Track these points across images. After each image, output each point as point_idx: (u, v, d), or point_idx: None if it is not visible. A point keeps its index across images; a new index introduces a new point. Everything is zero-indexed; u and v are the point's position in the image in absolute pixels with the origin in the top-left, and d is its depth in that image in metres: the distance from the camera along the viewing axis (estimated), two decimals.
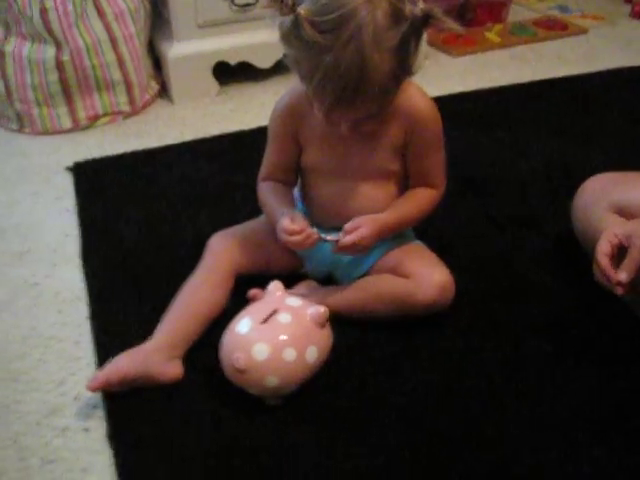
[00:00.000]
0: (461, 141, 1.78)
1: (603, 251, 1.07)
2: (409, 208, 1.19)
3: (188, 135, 1.85)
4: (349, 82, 0.96)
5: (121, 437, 0.99)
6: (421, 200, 1.19)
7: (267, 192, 1.21)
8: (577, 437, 0.98)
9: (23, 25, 1.78)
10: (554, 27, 2.57)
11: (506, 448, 0.97)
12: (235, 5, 1.97)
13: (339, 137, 1.13)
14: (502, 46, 2.43)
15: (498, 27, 2.55)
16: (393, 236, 1.21)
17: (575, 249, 1.29)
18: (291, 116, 1.17)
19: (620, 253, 1.07)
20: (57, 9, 1.75)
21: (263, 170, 1.24)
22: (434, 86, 2.13)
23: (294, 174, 1.23)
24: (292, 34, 0.97)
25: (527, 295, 1.25)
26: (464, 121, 1.90)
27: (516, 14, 2.74)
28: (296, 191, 1.28)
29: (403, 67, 1.00)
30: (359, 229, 1.10)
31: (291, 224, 1.10)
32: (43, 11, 1.75)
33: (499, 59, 2.35)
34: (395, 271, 1.16)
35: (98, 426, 1.02)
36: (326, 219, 1.21)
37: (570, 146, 1.74)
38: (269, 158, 1.23)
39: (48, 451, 0.99)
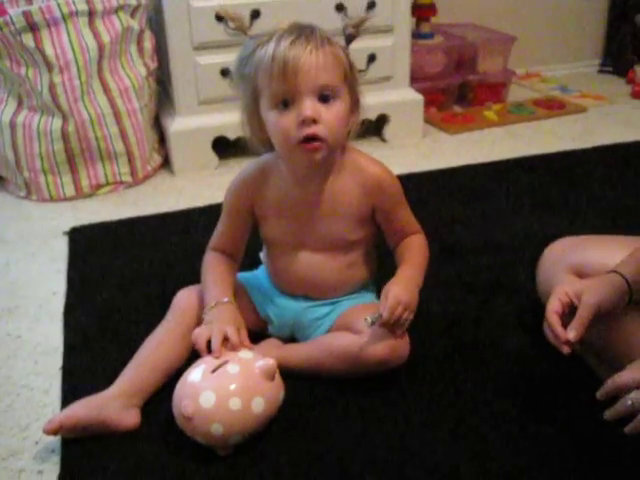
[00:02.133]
0: (446, 212, 1.84)
1: (553, 309, 1.09)
2: (416, 254, 1.23)
3: (183, 204, 1.94)
4: (299, 38, 1.06)
5: None
6: (417, 243, 1.25)
7: (209, 266, 1.25)
8: None
9: (34, 98, 1.91)
10: (553, 106, 2.65)
11: None
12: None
13: (297, 208, 1.20)
14: (500, 124, 2.51)
15: (497, 106, 2.63)
16: (351, 297, 1.26)
17: (542, 311, 1.30)
18: (247, 190, 1.23)
19: (571, 312, 1.09)
20: (64, 84, 1.88)
21: (214, 239, 1.29)
22: (429, 161, 2.22)
23: (241, 248, 1.28)
24: (243, 54, 1.12)
25: (491, 355, 1.28)
26: (451, 194, 1.96)
27: (518, 94, 2.84)
28: (262, 255, 1.34)
29: (349, 62, 1.12)
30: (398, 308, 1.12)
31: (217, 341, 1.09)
32: (52, 86, 1.88)
33: (495, 136, 2.42)
34: (351, 329, 1.19)
35: (52, 469, 1.06)
36: (288, 287, 1.28)
37: (551, 218, 1.78)
38: (221, 229, 1.27)
39: None
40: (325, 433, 1.10)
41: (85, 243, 1.73)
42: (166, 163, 2.21)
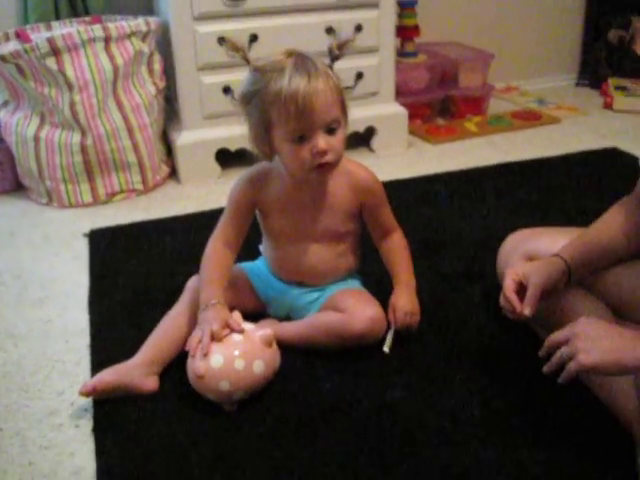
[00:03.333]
0: (425, 214, 2.06)
1: (509, 287, 1.30)
2: (403, 256, 1.48)
3: (189, 209, 2.16)
4: (311, 81, 1.23)
5: (103, 431, 1.24)
6: (400, 245, 1.49)
7: (209, 261, 1.41)
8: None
9: (55, 115, 2.13)
10: (529, 118, 2.87)
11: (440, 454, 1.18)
12: (235, 99, 2.29)
13: (298, 204, 1.41)
14: (479, 135, 2.73)
15: (477, 118, 2.85)
16: (338, 283, 1.47)
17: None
18: (252, 188, 1.42)
19: (522, 289, 1.30)
20: (83, 103, 2.11)
21: (217, 231, 1.44)
22: (413, 168, 2.44)
23: (241, 240, 1.44)
24: (251, 84, 1.28)
25: (460, 329, 1.49)
26: (431, 197, 2.17)
27: (498, 107, 3.06)
28: (261, 248, 1.55)
29: (342, 90, 1.31)
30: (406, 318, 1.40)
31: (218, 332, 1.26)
32: (72, 104, 2.10)
33: (474, 146, 2.64)
34: (336, 309, 1.41)
35: (87, 424, 1.27)
36: (286, 275, 1.49)
37: (519, 217, 2.00)
38: (224, 222, 1.44)
39: (45, 440, 1.24)
40: (313, 392, 1.31)
41: (103, 243, 1.94)
42: (173, 173, 2.43)
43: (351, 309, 1.38)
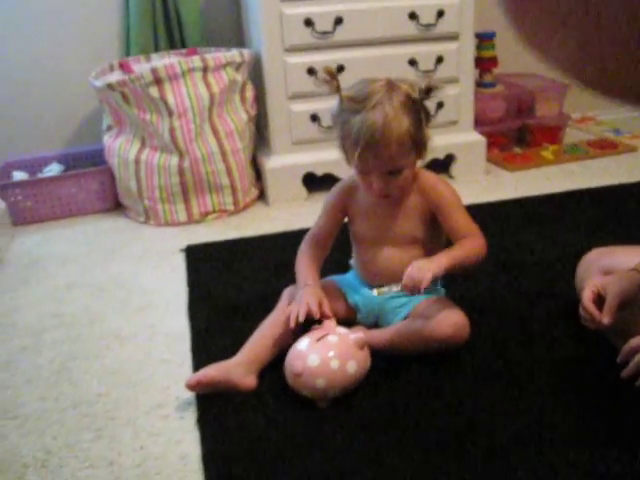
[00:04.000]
0: (504, 235, 2.12)
1: (589, 297, 1.38)
2: (461, 245, 1.48)
3: (278, 229, 2.28)
4: (376, 131, 1.36)
5: (206, 422, 1.35)
6: (470, 240, 1.49)
7: (303, 254, 1.61)
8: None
9: (156, 139, 2.30)
10: (605, 146, 2.91)
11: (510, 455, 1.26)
12: (322, 127, 2.43)
13: (378, 211, 1.53)
14: (555, 163, 2.78)
15: (554, 147, 2.91)
16: (425, 292, 1.55)
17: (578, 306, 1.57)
18: (343, 194, 1.58)
19: (600, 300, 1.37)
20: (182, 128, 2.26)
21: (311, 231, 1.64)
22: (490, 194, 2.51)
23: (331, 239, 1.62)
24: (338, 112, 1.43)
25: (536, 340, 1.55)
26: (509, 221, 2.24)
27: (574, 136, 3.11)
28: (351, 262, 1.67)
29: (417, 131, 1.41)
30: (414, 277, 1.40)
31: (311, 307, 1.45)
32: (172, 130, 2.26)
33: (550, 173, 2.70)
34: (422, 316, 1.49)
35: (191, 416, 1.38)
36: (371, 278, 1.59)
37: (595, 239, 2.01)
38: (319, 223, 1.62)
39: (154, 429, 1.36)
40: (401, 392, 1.40)
41: (199, 258, 2.08)
42: (262, 195, 2.57)
43: (437, 315, 1.46)
